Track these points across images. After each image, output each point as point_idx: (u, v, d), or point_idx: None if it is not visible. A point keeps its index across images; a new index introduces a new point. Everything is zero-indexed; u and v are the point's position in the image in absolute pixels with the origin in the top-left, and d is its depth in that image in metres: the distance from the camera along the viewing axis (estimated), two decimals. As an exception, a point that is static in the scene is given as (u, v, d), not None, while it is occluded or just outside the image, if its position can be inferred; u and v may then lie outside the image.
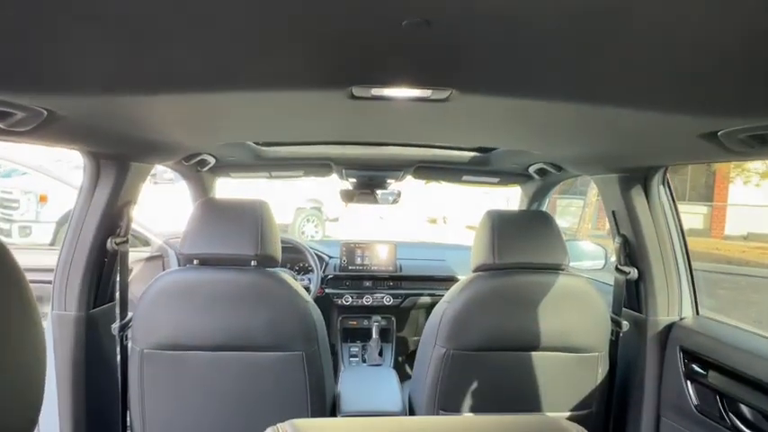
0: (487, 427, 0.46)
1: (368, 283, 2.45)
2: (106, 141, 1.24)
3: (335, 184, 2.37)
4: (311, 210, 8.07)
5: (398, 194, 2.27)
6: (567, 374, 1.42)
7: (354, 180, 2.19)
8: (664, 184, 1.47)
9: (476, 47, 0.63)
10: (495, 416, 0.46)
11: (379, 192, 2.23)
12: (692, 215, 10.91)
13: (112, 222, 1.42)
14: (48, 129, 0.92)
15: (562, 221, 9.97)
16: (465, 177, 2.15)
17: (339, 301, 2.40)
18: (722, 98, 0.77)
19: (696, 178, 11.39)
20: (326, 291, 2.40)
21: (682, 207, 1.53)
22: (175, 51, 0.66)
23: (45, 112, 0.84)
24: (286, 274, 1.38)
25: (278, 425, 0.43)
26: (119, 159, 1.38)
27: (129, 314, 1.48)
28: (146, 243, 2.28)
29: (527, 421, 0.44)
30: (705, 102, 0.79)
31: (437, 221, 11.74)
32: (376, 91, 0.81)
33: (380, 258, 2.47)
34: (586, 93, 0.81)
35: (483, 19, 0.54)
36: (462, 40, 0.60)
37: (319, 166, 2.08)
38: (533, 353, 1.38)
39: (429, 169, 2.10)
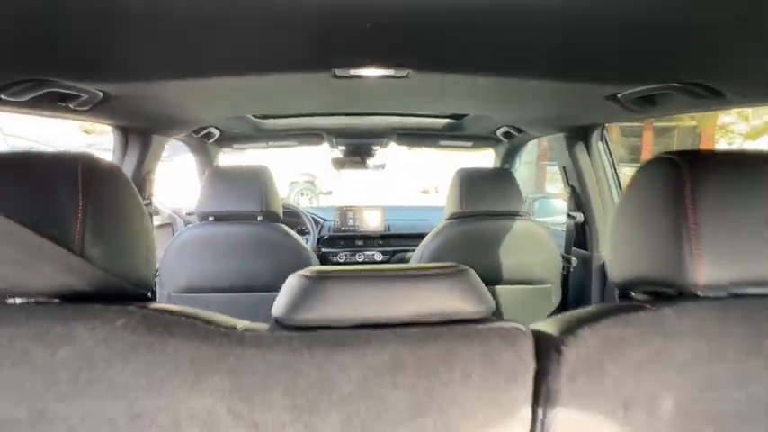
0: None
1: (360, 242, 2.67)
2: (137, 117, 1.47)
3: (328, 155, 2.60)
4: (305, 183, 8.19)
5: (384, 164, 2.51)
6: (526, 303, 1.69)
7: (344, 148, 2.43)
8: (602, 141, 1.73)
9: (424, 37, 0.86)
10: None
11: (367, 159, 2.47)
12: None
13: (139, 187, 1.66)
14: (99, 108, 1.16)
15: (552, 187, 10.16)
16: (442, 142, 2.39)
17: (334, 259, 2.64)
18: (616, 68, 1.01)
19: (682, 139, 11.57)
20: (323, 250, 2.64)
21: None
22: (200, 45, 0.87)
23: (101, 95, 1.08)
24: (289, 228, 1.64)
25: (298, 271, 0.67)
26: (143, 133, 1.62)
27: (156, 265, 1.74)
28: (155, 213, 2.52)
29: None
30: (605, 71, 1.03)
31: (429, 192, 11.95)
32: (353, 71, 1.03)
33: (371, 220, 2.71)
34: (515, 67, 1.02)
35: (429, 16, 0.74)
36: (413, 32, 0.82)
37: (311, 135, 2.31)
38: (497, 286, 1.65)
39: (409, 136, 2.33)
